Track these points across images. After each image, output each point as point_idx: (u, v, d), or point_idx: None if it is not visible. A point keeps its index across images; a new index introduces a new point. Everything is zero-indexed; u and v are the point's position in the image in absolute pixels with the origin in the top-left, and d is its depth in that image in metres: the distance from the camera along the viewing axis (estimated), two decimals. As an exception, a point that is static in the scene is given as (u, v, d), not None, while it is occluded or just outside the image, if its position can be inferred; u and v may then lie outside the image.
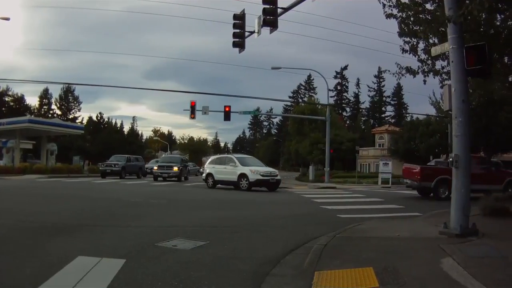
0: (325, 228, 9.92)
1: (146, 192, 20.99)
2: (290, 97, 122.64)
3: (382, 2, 10.89)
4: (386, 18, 10.83)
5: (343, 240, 8.21)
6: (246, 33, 17.30)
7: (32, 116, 59.83)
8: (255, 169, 26.05)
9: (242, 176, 25.74)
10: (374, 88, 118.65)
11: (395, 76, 11.41)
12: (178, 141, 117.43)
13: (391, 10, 10.80)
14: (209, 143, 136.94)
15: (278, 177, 27.11)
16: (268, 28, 15.81)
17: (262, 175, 25.67)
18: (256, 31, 16.73)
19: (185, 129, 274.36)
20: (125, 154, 43.95)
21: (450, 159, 8.47)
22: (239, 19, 17.20)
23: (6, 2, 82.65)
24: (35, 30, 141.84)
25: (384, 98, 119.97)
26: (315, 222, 11.54)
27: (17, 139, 44.68)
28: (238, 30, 17.26)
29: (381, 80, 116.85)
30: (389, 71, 11.84)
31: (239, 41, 17.37)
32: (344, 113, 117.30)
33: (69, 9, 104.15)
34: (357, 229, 9.77)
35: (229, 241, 8.28)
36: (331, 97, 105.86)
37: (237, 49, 17.61)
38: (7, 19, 31.24)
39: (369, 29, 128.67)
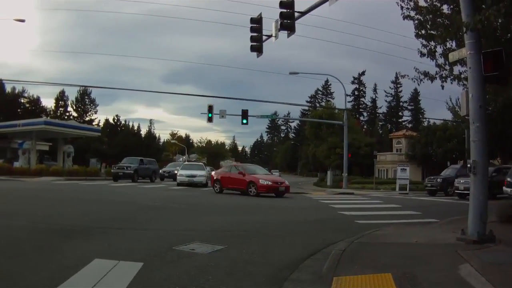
0: (343, 233, 9.90)
1: (162, 196, 21.09)
2: (307, 101, 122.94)
3: (400, 4, 10.86)
4: (404, 19, 10.80)
5: (362, 246, 8.18)
6: (264, 37, 17.30)
7: (48, 117, 60.13)
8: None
9: None
10: (391, 94, 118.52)
11: (414, 81, 11.35)
12: (196, 145, 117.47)
13: (409, 12, 10.78)
14: (226, 146, 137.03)
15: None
16: (286, 32, 15.81)
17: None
18: (273, 35, 16.75)
19: (202, 132, 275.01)
20: (142, 156, 42.67)
21: (469, 165, 8.41)
22: (256, 23, 17.20)
23: (23, 3, 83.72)
24: (52, 32, 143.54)
25: (401, 103, 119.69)
26: (333, 227, 11.49)
27: (33, 141, 44.54)
28: (255, 34, 17.26)
29: (398, 85, 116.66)
30: (407, 76, 11.78)
31: (257, 45, 17.36)
32: (362, 118, 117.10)
33: (86, 11, 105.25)
34: (375, 235, 9.75)
35: (247, 245, 8.26)
36: (349, 102, 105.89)
37: (255, 53, 17.60)
38: (23, 21, 31.65)
39: (386, 35, 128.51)
